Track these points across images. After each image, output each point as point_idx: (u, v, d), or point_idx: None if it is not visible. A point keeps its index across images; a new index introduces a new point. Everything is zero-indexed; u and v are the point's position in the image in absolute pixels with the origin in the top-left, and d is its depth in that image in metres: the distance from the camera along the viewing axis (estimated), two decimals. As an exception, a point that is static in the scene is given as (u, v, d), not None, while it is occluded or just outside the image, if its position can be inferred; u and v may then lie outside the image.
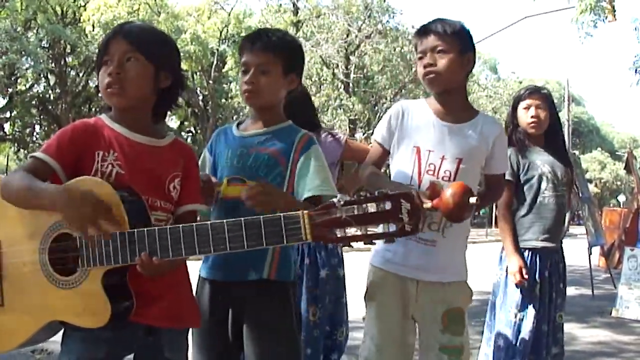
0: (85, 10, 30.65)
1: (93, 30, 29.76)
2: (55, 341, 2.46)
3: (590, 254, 11.74)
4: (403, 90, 34.69)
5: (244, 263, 2.77)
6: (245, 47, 2.95)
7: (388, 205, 1.94)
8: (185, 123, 40.40)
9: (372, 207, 1.94)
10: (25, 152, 37.84)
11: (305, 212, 1.99)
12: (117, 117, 2.47)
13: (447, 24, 3.15)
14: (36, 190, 2.21)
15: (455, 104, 3.22)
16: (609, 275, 12.00)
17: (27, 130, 38.51)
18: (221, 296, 2.83)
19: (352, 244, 2.04)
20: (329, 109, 31.85)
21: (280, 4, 34.46)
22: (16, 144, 38.31)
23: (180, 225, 2.14)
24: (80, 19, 31.31)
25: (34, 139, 38.89)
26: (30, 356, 5.59)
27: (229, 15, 34.52)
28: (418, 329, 3.20)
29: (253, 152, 2.89)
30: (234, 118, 34.18)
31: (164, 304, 2.35)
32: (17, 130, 37.98)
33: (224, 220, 2.09)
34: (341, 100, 31.83)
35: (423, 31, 3.21)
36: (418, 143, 3.17)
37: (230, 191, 2.86)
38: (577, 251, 13.81)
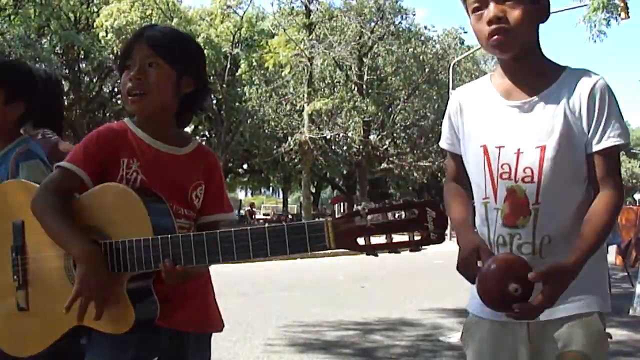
0: (98, 16, 30.89)
1: (106, 36, 29.94)
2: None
3: (606, 252, 11.69)
4: (417, 91, 34.68)
5: None
6: None
7: (413, 214, 1.88)
8: (200, 127, 40.48)
9: (396, 215, 1.89)
10: (41, 158, 38.05)
11: (330, 219, 1.95)
12: (140, 123, 2.46)
13: None
14: (64, 237, 2.22)
15: (530, 72, 2.25)
16: (626, 273, 11.95)
17: (42, 137, 38.69)
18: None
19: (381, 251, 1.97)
20: (342, 111, 31.90)
21: (293, 7, 34.58)
22: (31, 150, 38.48)
23: (204, 233, 2.13)
24: (93, 24, 31.51)
25: (49, 144, 39.09)
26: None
27: (242, 18, 34.62)
28: None
29: None
30: (248, 122, 34.31)
31: (189, 309, 2.35)
32: (32, 136, 38.17)
33: (248, 228, 2.08)
34: (355, 102, 31.90)
35: None
36: (484, 140, 2.28)
37: None
38: (593, 250, 13.74)
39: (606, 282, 2.33)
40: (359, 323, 8.57)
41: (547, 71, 2.25)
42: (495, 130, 2.25)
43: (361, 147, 33.03)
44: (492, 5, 2.14)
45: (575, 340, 2.18)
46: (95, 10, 32.40)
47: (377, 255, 1.96)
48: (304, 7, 34.04)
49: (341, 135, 33.79)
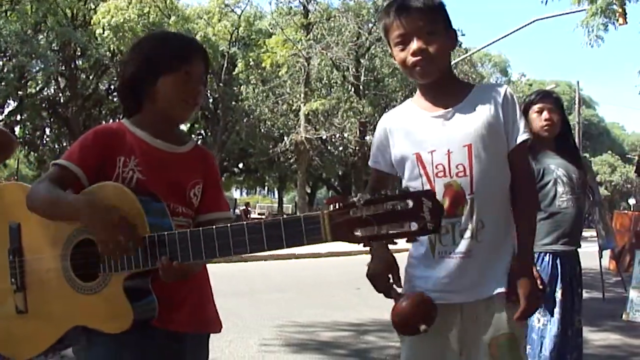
0: (95, 13, 30.81)
1: (103, 33, 29.87)
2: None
3: (600, 257, 11.69)
4: (413, 93, 34.63)
5: None
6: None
7: (409, 204, 1.87)
8: (196, 125, 40.47)
9: (393, 206, 1.88)
10: (36, 155, 38.04)
11: (326, 211, 1.95)
12: (140, 123, 2.47)
13: None
14: (60, 203, 2.22)
15: (446, 89, 2.69)
16: (620, 278, 11.95)
17: (37, 133, 38.70)
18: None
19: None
20: (339, 112, 31.88)
21: (291, 7, 34.54)
22: (26, 147, 38.45)
23: (200, 229, 2.13)
24: (90, 21, 31.45)
25: (44, 141, 39.10)
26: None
27: (239, 17, 34.63)
28: None
29: None
30: (244, 121, 34.29)
31: (187, 308, 2.35)
32: (27, 133, 38.15)
33: (244, 223, 2.07)
34: (351, 102, 31.87)
35: (402, 8, 2.62)
36: (416, 149, 2.64)
37: None
38: (587, 254, 13.78)
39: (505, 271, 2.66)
40: (354, 324, 8.58)
41: (460, 88, 2.74)
42: (425, 139, 2.63)
43: (357, 147, 32.99)
44: (415, 39, 2.57)
45: (503, 324, 2.55)
46: (93, 7, 32.32)
47: (372, 247, 1.97)
48: (301, 7, 34.02)
49: (337, 135, 33.78)
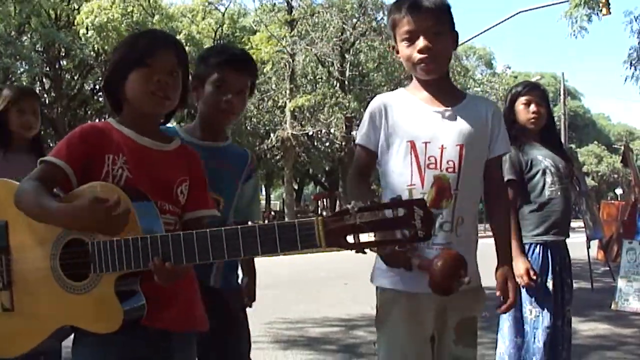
0: (79, 13, 30.62)
1: (87, 33, 29.70)
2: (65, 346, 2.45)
3: (588, 247, 11.72)
4: (399, 88, 34.68)
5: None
6: (230, 66, 2.95)
7: (401, 212, 1.93)
8: (182, 124, 40.26)
9: (385, 214, 1.93)
10: (22, 156, 37.79)
11: (320, 218, 1.98)
12: (126, 121, 2.48)
13: None
14: (46, 210, 2.21)
15: (445, 88, 2.88)
16: (608, 268, 11.96)
17: (23, 134, 38.45)
18: None
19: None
20: (325, 108, 31.85)
21: (275, 3, 34.43)
22: (12, 148, 38.24)
23: (194, 231, 2.13)
24: (74, 22, 31.26)
25: (30, 142, 38.85)
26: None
27: (223, 15, 34.57)
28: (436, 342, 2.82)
29: (213, 164, 2.85)
30: (230, 118, 34.21)
31: (175, 307, 2.35)
32: (13, 134, 37.92)
33: (239, 227, 2.08)
34: (337, 98, 31.84)
35: (414, 6, 2.74)
36: (411, 136, 2.76)
37: None
38: (575, 245, 13.81)
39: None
40: (343, 319, 8.60)
41: (456, 91, 2.97)
42: (422, 129, 2.77)
43: (343, 143, 32.99)
44: (422, 38, 2.71)
45: (469, 308, 2.84)
46: (76, 7, 32.14)
47: (365, 253, 1.99)
48: (285, 4, 33.94)
49: (323, 131, 33.80)
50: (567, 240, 4.38)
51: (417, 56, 2.74)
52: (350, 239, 1.94)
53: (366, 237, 1.98)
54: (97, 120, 37.80)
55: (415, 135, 2.76)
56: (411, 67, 2.81)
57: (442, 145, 2.74)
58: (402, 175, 2.77)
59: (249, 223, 3.24)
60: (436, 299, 2.64)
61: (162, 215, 2.34)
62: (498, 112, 2.94)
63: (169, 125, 2.95)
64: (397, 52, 2.85)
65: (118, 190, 2.20)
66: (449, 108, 2.81)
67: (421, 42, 2.71)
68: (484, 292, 2.93)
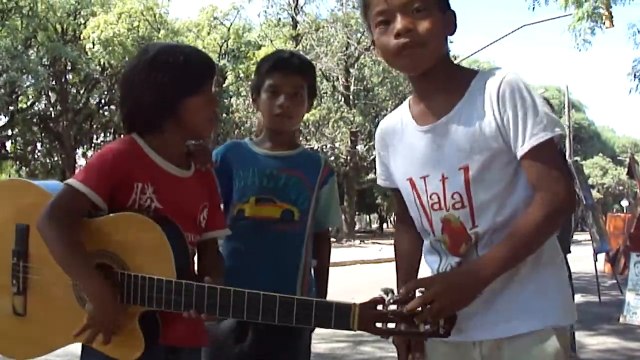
0: (85, 28, 30.81)
1: (93, 48, 29.87)
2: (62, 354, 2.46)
3: (595, 260, 11.71)
4: (403, 102, 34.73)
5: (273, 279, 2.70)
6: (278, 70, 2.91)
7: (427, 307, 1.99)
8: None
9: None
10: (27, 169, 37.91)
11: (357, 304, 2.04)
12: (155, 145, 2.40)
13: None
14: (75, 270, 2.20)
15: (440, 88, 2.09)
16: (615, 281, 11.97)
17: (29, 148, 38.59)
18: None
19: None
20: (329, 122, 31.90)
21: (280, 18, 34.64)
22: (18, 162, 38.39)
23: (232, 289, 2.13)
24: (80, 36, 31.46)
25: (36, 156, 38.97)
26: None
27: (229, 30, 34.64)
28: None
29: (283, 174, 2.86)
30: (235, 132, 34.32)
31: (183, 324, 2.32)
32: (19, 148, 38.08)
33: (277, 295, 2.09)
34: (342, 112, 31.93)
35: None
36: (408, 172, 2.16)
37: (259, 211, 2.82)
38: (582, 258, 13.78)
39: (564, 291, 2.10)
40: (350, 335, 8.52)
41: (458, 83, 2.07)
42: (416, 160, 2.12)
43: (348, 157, 33.06)
44: (399, 17, 1.98)
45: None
46: (83, 22, 32.35)
47: (387, 338, 2.08)
48: (290, 19, 34.11)
49: (328, 146, 33.81)
50: (574, 253, 4.36)
51: (395, 43, 1.99)
52: (378, 325, 2.03)
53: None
54: (102, 135, 38.05)
55: (412, 170, 2.15)
56: (393, 61, 2.07)
57: (443, 175, 2.05)
58: (416, 220, 2.21)
59: (330, 229, 3.28)
60: (484, 350, 2.06)
61: None
62: (510, 85, 1.97)
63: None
64: (376, 48, 2.14)
65: (155, 225, 2.18)
66: (441, 120, 2.06)
67: (398, 23, 1.98)
68: (562, 335, 2.04)
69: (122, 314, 2.17)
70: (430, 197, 2.09)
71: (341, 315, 2.04)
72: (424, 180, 2.10)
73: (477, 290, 1.94)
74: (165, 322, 2.25)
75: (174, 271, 2.17)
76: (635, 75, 19.89)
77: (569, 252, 4.35)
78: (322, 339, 8.41)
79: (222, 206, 2.72)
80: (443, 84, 2.08)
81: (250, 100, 3.09)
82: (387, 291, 2.02)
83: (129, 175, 2.30)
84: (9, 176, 40.15)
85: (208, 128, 2.47)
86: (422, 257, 2.30)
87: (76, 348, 2.32)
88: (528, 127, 1.93)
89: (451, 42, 2.34)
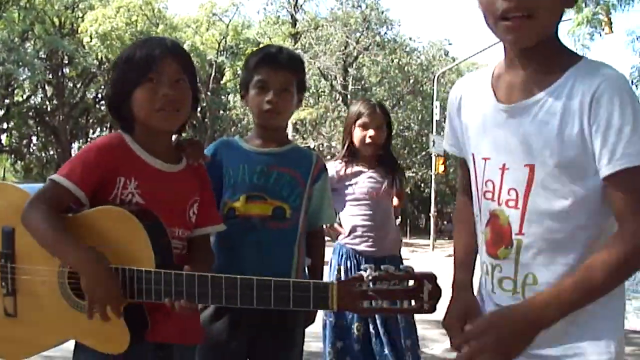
0: (83, 21, 30.78)
1: (91, 42, 29.84)
2: (60, 357, 2.44)
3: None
4: (401, 102, 34.76)
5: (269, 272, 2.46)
6: (266, 65, 2.86)
7: (411, 284, 2.01)
8: (183, 135, 40.37)
9: (395, 284, 2.02)
10: (22, 163, 37.90)
11: (335, 284, 2.04)
12: (139, 140, 2.38)
13: None
14: (61, 248, 2.16)
15: (537, 66, 1.76)
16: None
17: (24, 142, 38.60)
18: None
19: None
20: (327, 121, 31.91)
21: (279, 16, 34.66)
22: (13, 156, 38.35)
23: (209, 275, 2.11)
24: (78, 30, 31.44)
25: (31, 150, 38.95)
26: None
27: (227, 27, 34.63)
28: None
29: (274, 171, 2.82)
30: (232, 130, 34.36)
31: (173, 321, 2.28)
32: (14, 141, 38.04)
33: (254, 278, 2.07)
34: (339, 112, 31.89)
35: None
36: (472, 147, 1.92)
37: (250, 209, 2.78)
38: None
39: (620, 327, 1.83)
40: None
41: (556, 64, 1.74)
42: (483, 138, 1.87)
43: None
44: None
45: None
46: (80, 15, 32.32)
47: (372, 316, 2.13)
48: (290, 17, 34.10)
49: (325, 145, 33.82)
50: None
51: (502, 5, 1.66)
52: (360, 303, 2.02)
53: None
54: (98, 129, 38.00)
55: (475, 147, 1.90)
56: (495, 26, 1.73)
57: (504, 165, 1.80)
58: (474, 199, 1.97)
59: (324, 227, 3.25)
60: None
61: (171, 240, 2.30)
62: (611, 88, 1.64)
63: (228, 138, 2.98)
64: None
65: (133, 218, 2.14)
66: (525, 100, 1.75)
67: None
68: None
69: (117, 282, 2.11)
70: (486, 183, 1.85)
71: (319, 295, 2.04)
72: (485, 162, 1.86)
73: (532, 337, 1.68)
74: (155, 319, 2.22)
75: (153, 261, 2.13)
76: (632, 81, 19.96)
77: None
78: (315, 338, 8.37)
79: (215, 201, 2.67)
80: (540, 63, 1.76)
81: (239, 96, 3.04)
82: (365, 268, 2.03)
83: (112, 170, 2.27)
84: (4, 170, 40.17)
85: (160, 119, 2.33)
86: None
87: (71, 344, 2.31)
88: (621, 144, 1.61)
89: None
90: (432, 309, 1.99)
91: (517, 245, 1.79)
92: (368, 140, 4.17)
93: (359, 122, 4.22)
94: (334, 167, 4.22)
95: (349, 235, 4.21)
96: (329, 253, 3.67)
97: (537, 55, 1.74)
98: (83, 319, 2.17)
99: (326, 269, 3.92)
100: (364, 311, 2.04)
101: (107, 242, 2.17)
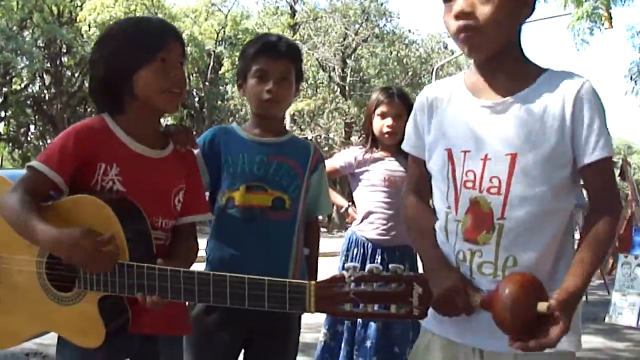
0: (81, 10, 30.65)
1: (89, 30, 29.70)
2: (51, 344, 2.42)
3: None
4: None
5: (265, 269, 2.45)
6: (265, 54, 2.84)
7: (399, 287, 1.85)
8: (181, 125, 40.32)
9: (382, 286, 1.86)
10: (20, 152, 37.79)
11: (313, 283, 1.92)
12: (123, 124, 2.33)
13: None
14: (32, 231, 2.10)
15: (505, 72, 2.01)
16: (603, 281, 11.99)
17: (22, 130, 38.43)
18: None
19: None
20: (324, 112, 31.87)
21: (278, 7, 34.57)
22: (10, 144, 38.21)
23: (181, 270, 2.05)
24: (76, 18, 31.28)
25: (29, 138, 38.82)
26: (24, 359, 5.54)
27: (226, 17, 34.50)
28: None
29: (274, 161, 2.82)
30: (230, 120, 34.27)
31: (158, 312, 2.23)
32: (12, 130, 37.89)
33: (227, 275, 2.02)
34: (337, 103, 31.89)
35: None
36: (450, 143, 2.05)
37: (249, 199, 2.76)
38: (571, 257, 13.79)
39: (579, 319, 2.04)
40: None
41: (525, 72, 2.01)
42: (463, 133, 2.03)
43: (343, 148, 33.05)
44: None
45: None
46: (79, 4, 32.13)
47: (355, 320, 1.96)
48: (289, 7, 34.01)
49: (323, 136, 33.79)
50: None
51: (454, 25, 1.93)
52: (342, 306, 1.88)
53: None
54: (96, 118, 37.87)
55: (454, 142, 2.05)
56: (455, 41, 2.01)
57: (486, 156, 1.97)
58: (442, 193, 2.09)
59: (319, 217, 3.24)
60: (488, 358, 2.00)
61: (153, 231, 2.25)
62: (586, 94, 1.93)
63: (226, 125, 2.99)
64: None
65: (107, 208, 2.09)
66: (505, 99, 1.98)
67: (457, 4, 1.91)
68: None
69: (93, 236, 2.04)
70: (466, 173, 2.00)
71: (296, 296, 1.93)
72: (464, 154, 2.01)
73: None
74: (137, 310, 2.18)
75: (127, 252, 2.09)
76: (631, 77, 19.95)
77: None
78: (310, 329, 8.40)
79: (204, 190, 2.65)
80: (506, 70, 2.01)
81: (236, 85, 3.04)
82: (349, 267, 1.88)
83: (92, 156, 2.23)
84: (2, 158, 40.06)
85: (167, 100, 2.32)
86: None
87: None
88: (602, 139, 1.91)
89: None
90: (423, 315, 1.87)
91: (499, 229, 1.95)
92: (386, 129, 4.14)
93: (377, 110, 4.21)
94: (353, 153, 4.24)
95: (361, 221, 4.20)
96: (330, 243, 3.68)
97: (502, 64, 1.99)
98: (60, 311, 2.15)
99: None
100: (345, 314, 1.92)
101: None
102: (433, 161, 2.13)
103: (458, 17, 1.91)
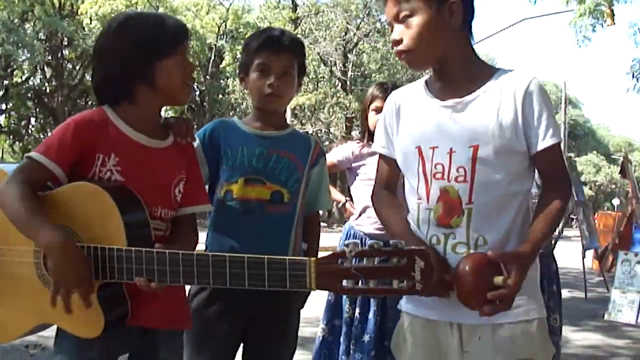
0: (82, 3, 30.63)
1: (90, 23, 29.76)
2: (50, 337, 2.41)
3: (584, 257, 11.74)
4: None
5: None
6: (268, 48, 2.84)
7: (401, 261, 1.83)
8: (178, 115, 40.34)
9: (383, 261, 1.83)
10: (21, 144, 37.83)
11: (313, 259, 1.89)
12: (125, 114, 2.33)
13: None
14: (31, 227, 2.08)
15: (459, 74, 2.25)
16: (602, 278, 12.01)
17: (23, 123, 38.48)
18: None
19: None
20: (325, 107, 31.88)
21: (279, 1, 34.48)
22: (11, 137, 38.26)
23: (180, 253, 2.04)
24: (77, 11, 31.33)
25: (30, 131, 38.86)
26: (24, 351, 5.54)
27: (228, 10, 34.52)
28: None
29: (273, 154, 2.81)
30: (231, 114, 34.28)
31: (157, 305, 2.24)
32: (13, 122, 37.93)
33: (227, 255, 1.99)
34: (338, 98, 31.89)
35: None
36: (419, 141, 2.25)
37: (248, 192, 2.76)
38: (570, 254, 13.80)
39: (539, 288, 2.30)
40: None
41: (477, 73, 2.26)
42: (430, 131, 2.25)
43: (343, 143, 33.03)
44: (394, 26, 2.22)
45: (520, 349, 2.16)
46: (81, -3, 32.18)
47: (357, 296, 1.92)
48: (290, 1, 33.98)
49: (323, 130, 33.82)
50: (562, 249, 4.37)
51: (394, 49, 2.27)
52: (343, 283, 1.86)
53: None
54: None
55: (422, 140, 2.24)
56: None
57: (451, 149, 2.18)
58: (412, 187, 2.30)
59: (320, 212, 3.23)
60: (466, 333, 2.18)
61: (152, 220, 2.24)
62: (534, 89, 2.16)
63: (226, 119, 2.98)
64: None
65: (106, 195, 2.08)
66: (462, 98, 2.20)
67: (392, 34, 2.23)
68: (544, 328, 2.26)
69: (87, 265, 2.04)
70: (435, 166, 2.21)
71: (296, 273, 1.90)
72: (433, 150, 2.23)
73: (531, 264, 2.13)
74: (137, 303, 2.18)
75: (125, 239, 2.07)
76: (634, 74, 19.91)
77: (554, 247, 4.35)
78: (308, 323, 8.40)
79: (203, 181, 2.64)
80: (459, 73, 2.25)
81: (238, 79, 3.03)
82: (348, 243, 1.85)
83: (91, 147, 2.23)
84: (2, 150, 40.10)
85: (184, 92, 2.37)
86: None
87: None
88: (551, 128, 2.16)
89: None
90: (426, 290, 1.83)
91: (468, 213, 2.17)
92: None
93: (372, 105, 4.19)
94: (350, 147, 4.23)
95: (359, 216, 4.19)
96: (330, 237, 3.67)
97: (452, 68, 2.25)
98: (60, 302, 2.10)
99: None
100: (347, 291, 1.89)
101: (79, 219, 2.12)
102: (404, 158, 2.34)
103: (393, 45, 2.22)
